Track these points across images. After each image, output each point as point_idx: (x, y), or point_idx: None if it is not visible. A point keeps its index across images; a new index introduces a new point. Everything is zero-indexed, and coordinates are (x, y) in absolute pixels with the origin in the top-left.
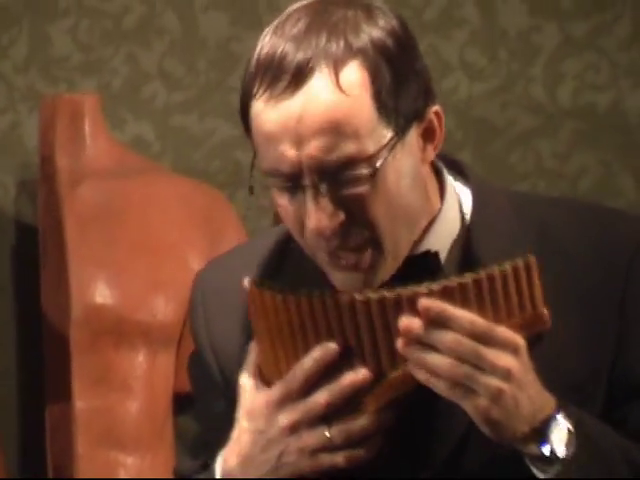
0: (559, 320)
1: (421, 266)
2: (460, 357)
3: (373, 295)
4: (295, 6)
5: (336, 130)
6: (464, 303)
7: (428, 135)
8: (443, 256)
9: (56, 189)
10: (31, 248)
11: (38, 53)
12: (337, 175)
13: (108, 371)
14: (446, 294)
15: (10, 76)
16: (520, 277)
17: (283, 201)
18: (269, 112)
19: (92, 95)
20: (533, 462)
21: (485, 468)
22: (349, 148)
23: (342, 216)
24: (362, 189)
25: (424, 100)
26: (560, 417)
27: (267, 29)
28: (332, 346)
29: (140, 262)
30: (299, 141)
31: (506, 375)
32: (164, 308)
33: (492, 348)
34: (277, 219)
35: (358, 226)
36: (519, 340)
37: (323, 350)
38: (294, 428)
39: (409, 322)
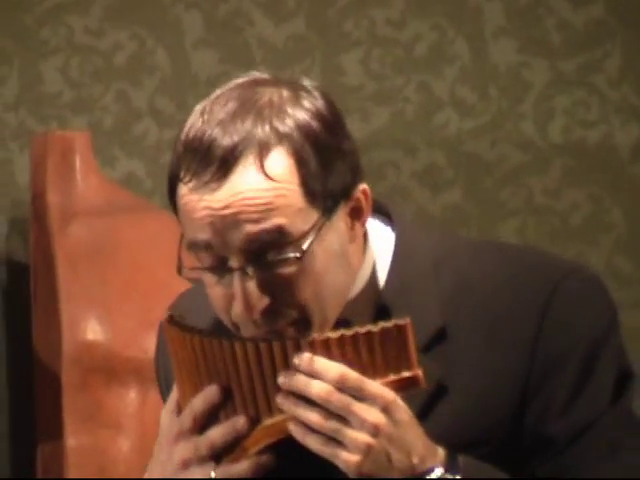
0: (465, 372)
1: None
2: (330, 410)
3: (250, 342)
4: (225, 87)
5: (262, 218)
6: (342, 356)
7: (356, 213)
8: (356, 319)
9: (47, 227)
10: (22, 286)
11: (29, 90)
12: (264, 258)
13: (99, 409)
14: (323, 345)
15: (1, 113)
16: (391, 337)
17: (209, 280)
18: (195, 200)
19: (83, 132)
20: None
21: None
22: (276, 234)
23: (270, 299)
24: (290, 271)
25: (352, 179)
26: (442, 470)
27: (196, 107)
28: (214, 389)
29: (131, 300)
30: (225, 229)
31: (374, 430)
32: (155, 345)
33: (361, 402)
34: None
35: (286, 307)
36: (389, 395)
37: (207, 392)
38: (186, 464)
39: (284, 375)
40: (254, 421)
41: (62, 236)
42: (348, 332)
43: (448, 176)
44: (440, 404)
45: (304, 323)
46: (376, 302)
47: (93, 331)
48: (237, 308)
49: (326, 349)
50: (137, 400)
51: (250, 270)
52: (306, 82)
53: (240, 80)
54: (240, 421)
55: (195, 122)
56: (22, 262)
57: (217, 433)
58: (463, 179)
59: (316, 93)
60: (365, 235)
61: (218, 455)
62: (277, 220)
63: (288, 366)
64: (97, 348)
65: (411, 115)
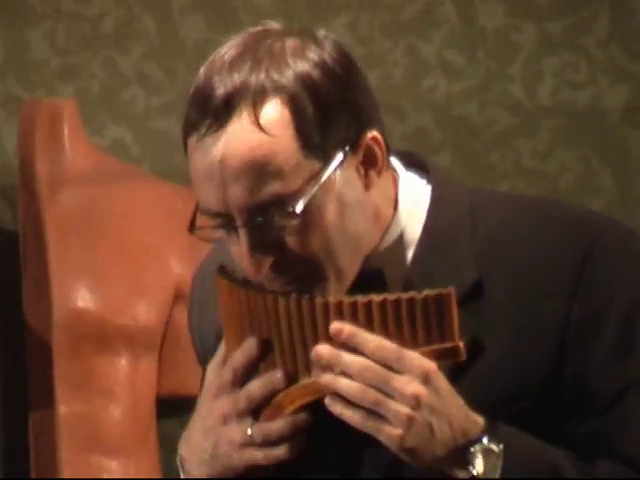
0: (501, 328)
1: (371, 280)
2: (369, 383)
3: (293, 298)
4: (235, 38)
5: (258, 171)
6: (383, 321)
7: (369, 161)
8: (389, 271)
9: (36, 194)
10: (11, 253)
11: (16, 58)
12: (266, 214)
13: (91, 376)
14: (365, 308)
15: None
16: (434, 306)
17: (227, 238)
18: (196, 153)
19: (70, 100)
20: None
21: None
22: (274, 187)
23: (277, 254)
24: (294, 225)
25: (358, 128)
26: (485, 440)
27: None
28: (253, 342)
29: (121, 266)
30: (223, 184)
31: (415, 402)
32: (146, 312)
33: (401, 374)
34: None
35: (296, 261)
36: (429, 366)
37: (247, 345)
38: (225, 419)
39: (322, 349)
40: (292, 378)
41: (51, 203)
42: (391, 297)
43: (437, 139)
44: (475, 359)
45: (316, 275)
46: (411, 254)
47: (84, 299)
48: (246, 265)
49: (368, 312)
50: (128, 367)
51: (254, 228)
52: (320, 33)
53: (251, 30)
54: (277, 376)
55: (200, 72)
56: (11, 230)
57: (255, 387)
58: (452, 142)
59: (326, 43)
60: (396, 186)
61: (257, 412)
62: (274, 173)
63: (328, 327)
64: (88, 316)
65: (399, 79)
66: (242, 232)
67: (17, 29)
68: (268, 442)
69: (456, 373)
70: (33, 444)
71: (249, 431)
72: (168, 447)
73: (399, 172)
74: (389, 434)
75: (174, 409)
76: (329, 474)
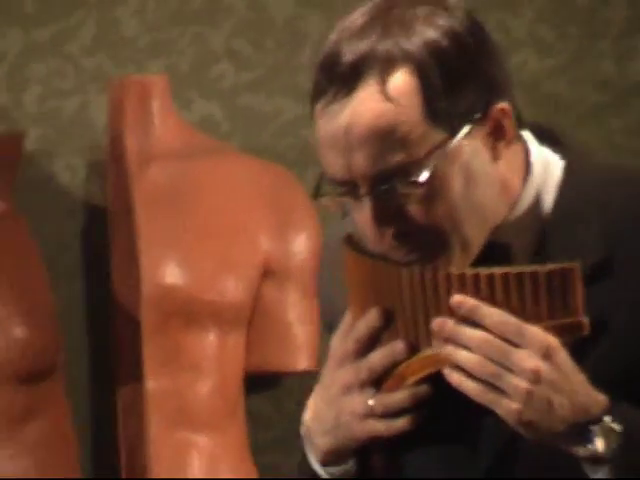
0: (629, 308)
1: (497, 253)
2: (489, 356)
3: (416, 269)
4: (365, 5)
5: (383, 140)
6: (506, 294)
7: (497, 133)
8: (516, 244)
9: (125, 170)
10: (101, 229)
11: (106, 35)
12: (391, 183)
13: (179, 351)
14: (487, 281)
15: (79, 58)
16: (558, 280)
17: (350, 207)
18: (322, 120)
19: (160, 76)
20: (582, 461)
21: (545, 456)
22: (399, 156)
23: (401, 223)
24: (419, 194)
25: (487, 98)
26: (607, 419)
27: (339, 22)
28: (376, 312)
29: (210, 242)
30: (348, 151)
31: (535, 376)
32: (234, 288)
33: (521, 348)
34: None
35: (419, 230)
36: (551, 341)
37: (370, 315)
38: (347, 388)
39: (443, 321)
40: (413, 349)
41: (140, 179)
42: (514, 270)
43: (524, 116)
44: (600, 338)
45: (440, 246)
46: (539, 228)
47: (172, 274)
48: (369, 235)
49: (490, 285)
50: (216, 343)
51: (378, 196)
52: (452, 1)
53: None
54: (399, 346)
55: (329, 39)
56: (100, 206)
57: (377, 357)
58: (540, 119)
59: (458, 12)
60: (527, 158)
61: (379, 382)
62: (400, 142)
63: (450, 299)
64: (176, 292)
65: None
66: (366, 201)
67: (107, 6)
68: (389, 413)
69: (580, 350)
70: (121, 420)
71: (370, 402)
72: (255, 423)
73: (530, 145)
74: (507, 408)
75: (261, 385)
76: (448, 446)
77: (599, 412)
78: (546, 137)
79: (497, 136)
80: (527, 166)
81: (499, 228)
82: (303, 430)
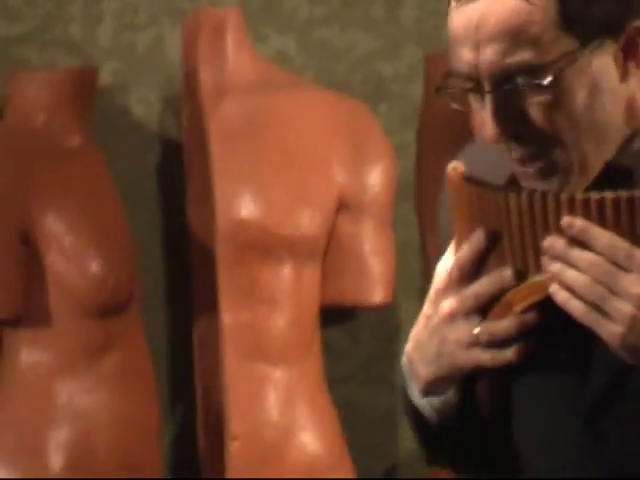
0: None
1: (618, 181)
2: (596, 278)
3: (525, 194)
4: None
5: (514, 36)
6: (615, 219)
7: (630, 51)
8: (639, 171)
9: (200, 104)
10: (176, 163)
11: None
12: (515, 82)
13: (254, 285)
14: (598, 205)
15: None
16: None
17: (468, 103)
18: (456, 13)
19: (234, 9)
20: None
21: None
22: (527, 55)
23: (520, 125)
24: (541, 98)
25: (623, 12)
26: None
27: None
28: (481, 233)
29: (285, 176)
30: (477, 45)
31: (639, 302)
32: (309, 221)
33: (629, 273)
34: (421, 131)
35: (538, 135)
36: None
37: (475, 238)
38: (452, 317)
39: (554, 239)
40: (521, 276)
41: (215, 113)
42: (625, 194)
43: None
44: None
45: (559, 155)
46: None
47: (247, 208)
48: (488, 131)
49: (600, 209)
50: (292, 276)
51: (500, 94)
52: None
53: None
54: (507, 273)
55: None
56: (175, 140)
57: (483, 283)
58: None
59: None
60: None
61: (484, 310)
62: (530, 42)
63: (560, 223)
64: (251, 225)
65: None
66: (488, 97)
67: None
68: (495, 342)
69: None
70: (197, 353)
71: (476, 330)
72: (331, 355)
73: None
74: (610, 330)
75: (337, 318)
76: (556, 377)
77: None
78: None
79: (629, 55)
80: None
81: (622, 151)
82: (404, 361)
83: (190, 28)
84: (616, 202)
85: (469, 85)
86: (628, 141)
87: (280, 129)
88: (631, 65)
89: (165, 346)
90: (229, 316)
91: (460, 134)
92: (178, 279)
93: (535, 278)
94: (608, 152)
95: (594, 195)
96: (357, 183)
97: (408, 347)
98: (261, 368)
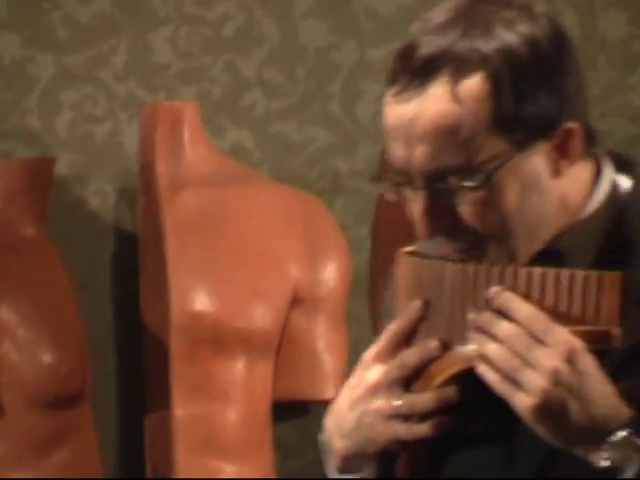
0: None
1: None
2: (513, 350)
3: (458, 264)
4: (452, 1)
5: (445, 139)
6: (541, 293)
7: (562, 150)
8: (570, 256)
9: (156, 196)
10: (130, 255)
11: (138, 61)
12: (446, 182)
13: (207, 379)
14: (526, 279)
15: (111, 84)
16: (597, 287)
17: (403, 195)
18: (391, 107)
19: (192, 103)
20: (602, 473)
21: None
22: (457, 158)
23: (451, 222)
24: (473, 197)
25: (556, 115)
26: (627, 433)
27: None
28: (415, 305)
29: (240, 270)
30: (409, 143)
31: (553, 376)
32: (263, 316)
33: (545, 347)
34: (376, 227)
35: (469, 233)
36: (576, 344)
37: (409, 309)
38: (375, 388)
39: (476, 310)
40: (447, 347)
41: (171, 206)
42: (552, 270)
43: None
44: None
45: (487, 251)
46: (600, 245)
47: (202, 301)
48: (418, 227)
49: (528, 282)
50: (245, 371)
51: (431, 192)
52: (540, 7)
53: None
54: (433, 343)
55: (411, 30)
56: (130, 232)
57: (409, 355)
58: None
59: (542, 20)
60: (595, 177)
61: (407, 383)
62: (462, 144)
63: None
64: (205, 318)
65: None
66: (420, 194)
67: (140, 32)
68: (415, 415)
69: (620, 368)
70: (148, 446)
71: (397, 402)
72: (282, 451)
73: (604, 165)
74: (523, 402)
75: (289, 413)
76: (478, 453)
77: (618, 425)
78: (624, 165)
79: (561, 154)
80: (594, 185)
81: (557, 236)
82: (322, 437)
83: (147, 121)
84: (543, 277)
85: (403, 179)
86: (562, 231)
87: (235, 223)
88: (563, 163)
89: (116, 440)
90: (181, 410)
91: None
92: (130, 371)
93: (458, 349)
94: (539, 245)
95: (523, 269)
96: (311, 278)
97: (327, 420)
98: (212, 463)
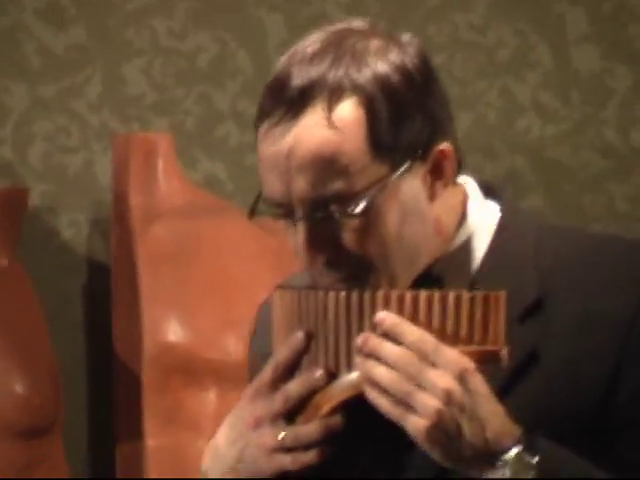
0: (557, 346)
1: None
2: (404, 373)
3: (343, 292)
4: (320, 32)
5: (324, 167)
6: (428, 316)
7: (436, 172)
8: (449, 280)
9: (129, 227)
10: (103, 286)
11: (112, 92)
12: (327, 210)
13: (179, 410)
14: (412, 302)
15: (84, 114)
16: (482, 307)
17: (283, 227)
18: (266, 141)
19: (165, 134)
20: None
21: None
22: (337, 185)
23: (333, 251)
24: (354, 225)
25: (429, 137)
26: (519, 450)
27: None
28: (298, 337)
29: (212, 301)
30: (288, 175)
31: (445, 396)
32: (235, 347)
33: (436, 368)
34: None
35: (351, 260)
36: (466, 364)
37: (291, 340)
38: (258, 422)
39: (365, 335)
40: (332, 376)
41: (144, 237)
42: (438, 293)
43: (529, 181)
44: (532, 373)
45: (369, 278)
46: (474, 269)
47: (174, 332)
48: (301, 257)
49: (414, 305)
50: (217, 401)
51: (313, 222)
52: (405, 36)
53: (337, 25)
54: (318, 373)
55: (280, 62)
56: (103, 262)
57: (293, 386)
58: (544, 184)
59: (410, 48)
60: (465, 202)
61: (292, 416)
62: (340, 171)
63: (373, 320)
64: (177, 349)
65: (493, 120)
66: (301, 225)
67: (114, 63)
68: (300, 446)
69: (509, 383)
70: (120, 476)
71: (281, 435)
72: None
73: (471, 191)
74: (415, 424)
75: None
76: (363, 477)
77: (510, 443)
78: (491, 192)
79: (436, 176)
80: (464, 210)
81: (433, 265)
82: (202, 472)
83: (121, 152)
84: (429, 299)
85: (281, 211)
86: (439, 257)
87: (208, 254)
88: (438, 185)
89: (87, 470)
90: (153, 440)
91: None
92: (102, 401)
93: (344, 377)
94: (418, 269)
95: (408, 292)
96: None
97: (205, 458)
98: None
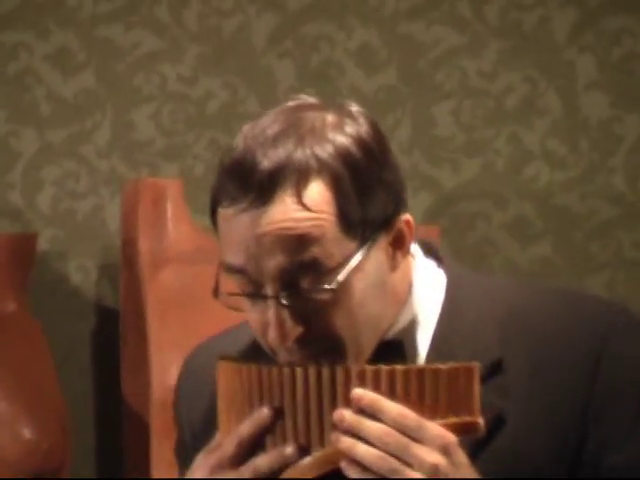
0: (521, 404)
1: (390, 351)
2: (388, 450)
3: (312, 367)
4: (272, 110)
5: (297, 248)
6: (405, 390)
7: (398, 243)
8: (410, 342)
9: (138, 273)
10: (112, 331)
11: (121, 137)
12: (299, 288)
13: None
14: (389, 377)
15: (93, 160)
16: (458, 379)
17: (246, 304)
18: (232, 223)
19: (174, 180)
20: None
21: None
22: (311, 265)
23: (303, 328)
24: (324, 301)
25: (393, 209)
26: None
27: (242, 129)
28: (264, 412)
29: None
30: (260, 257)
31: (433, 471)
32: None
33: (420, 443)
34: None
35: (320, 336)
36: (449, 437)
37: (257, 415)
38: None
39: (344, 412)
40: (304, 452)
41: (152, 283)
42: (415, 366)
43: (537, 228)
44: (497, 435)
45: (336, 351)
46: (431, 333)
47: None
48: (271, 335)
49: (390, 381)
50: None
51: (284, 299)
52: (353, 107)
53: (288, 103)
54: (289, 449)
55: (238, 144)
56: (112, 308)
57: (263, 461)
58: (553, 231)
59: (361, 119)
60: (412, 268)
61: None
62: (312, 251)
63: (348, 395)
64: None
65: (501, 167)
66: (271, 302)
67: (123, 109)
68: None
69: (477, 448)
70: None
71: None
72: None
73: (417, 256)
74: None
75: None
76: None
77: None
78: (429, 251)
79: (397, 246)
80: (412, 276)
81: (389, 333)
82: None
83: (130, 197)
84: (406, 374)
85: (250, 289)
86: (396, 322)
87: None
88: (399, 255)
89: None
90: None
91: None
92: (110, 446)
93: (317, 452)
94: (379, 338)
95: (384, 367)
96: None
97: None
98: None
